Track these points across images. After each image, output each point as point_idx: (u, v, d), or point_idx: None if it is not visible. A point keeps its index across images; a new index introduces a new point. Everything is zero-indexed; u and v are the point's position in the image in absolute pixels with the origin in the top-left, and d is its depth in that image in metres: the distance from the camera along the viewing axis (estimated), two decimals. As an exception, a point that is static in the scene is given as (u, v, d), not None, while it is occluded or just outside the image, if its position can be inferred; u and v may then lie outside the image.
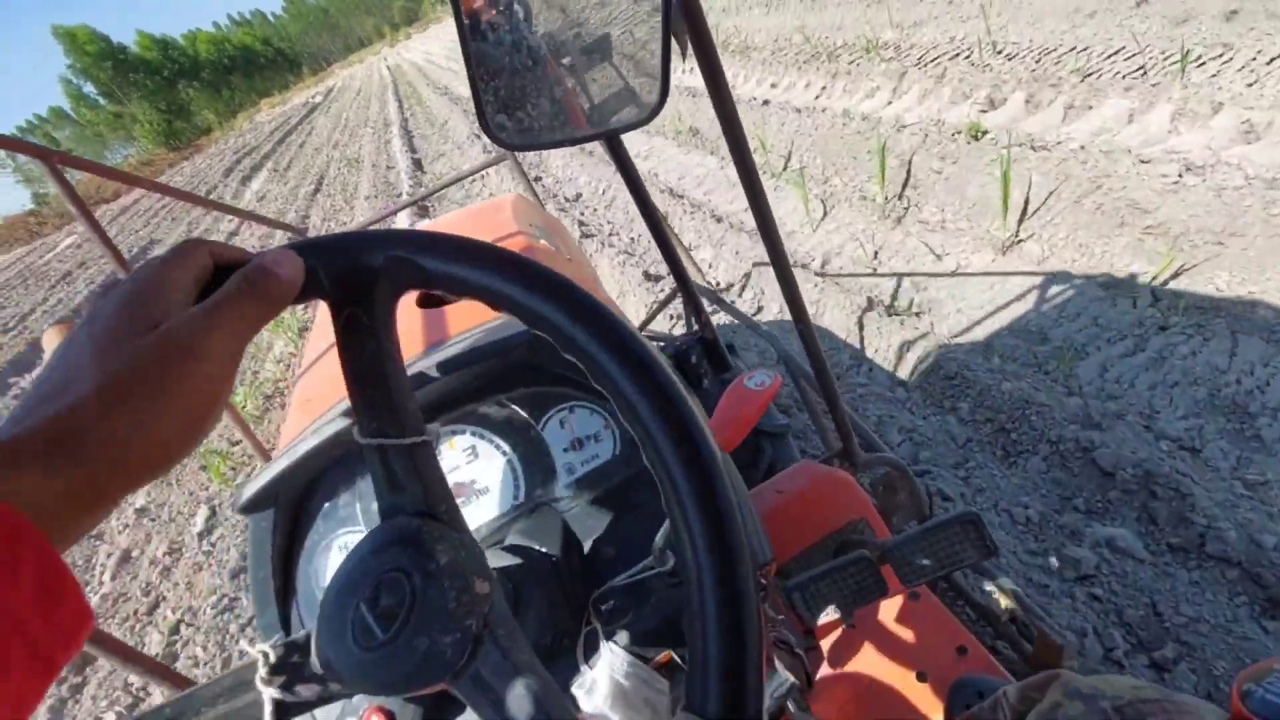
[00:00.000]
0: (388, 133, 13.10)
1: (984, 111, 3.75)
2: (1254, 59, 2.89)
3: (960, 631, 0.92)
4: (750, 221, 4.12)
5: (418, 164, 9.42)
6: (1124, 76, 3.45)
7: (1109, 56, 3.77)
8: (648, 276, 3.78)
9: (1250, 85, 2.76)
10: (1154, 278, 2.31)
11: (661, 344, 1.50)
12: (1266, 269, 2.10)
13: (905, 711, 0.84)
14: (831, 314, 2.94)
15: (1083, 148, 3.00)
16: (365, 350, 0.45)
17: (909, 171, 3.56)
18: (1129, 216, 2.55)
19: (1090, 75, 3.62)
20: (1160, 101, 3.01)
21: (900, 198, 3.51)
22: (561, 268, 1.11)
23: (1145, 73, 3.39)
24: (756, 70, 6.27)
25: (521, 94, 0.83)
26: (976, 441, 2.06)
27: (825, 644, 0.93)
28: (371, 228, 1.65)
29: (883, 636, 0.93)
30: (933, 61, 4.65)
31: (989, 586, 1.22)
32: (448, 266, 0.43)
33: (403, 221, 7.43)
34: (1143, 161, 2.72)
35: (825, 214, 3.77)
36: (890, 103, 4.44)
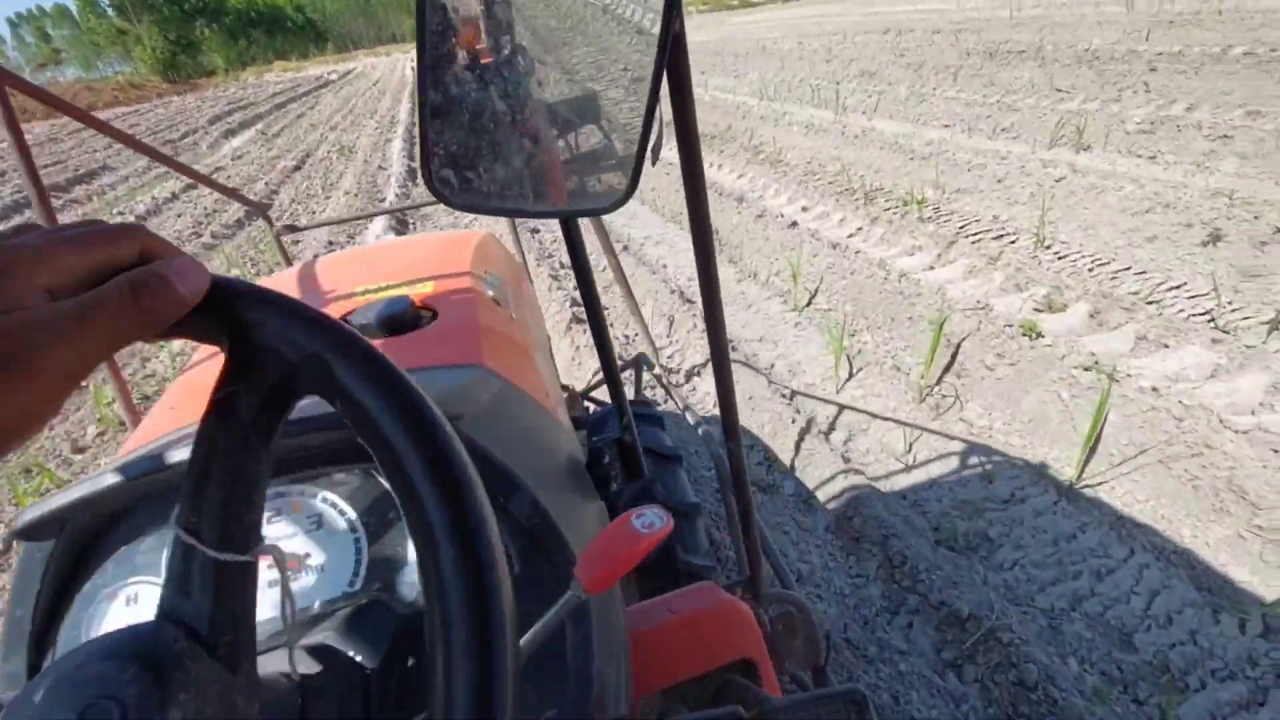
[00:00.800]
0: (391, 131, 12.52)
1: (1039, 311, 3.42)
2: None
3: None
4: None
5: (412, 173, 8.83)
6: (1190, 317, 3.18)
7: (1171, 289, 3.53)
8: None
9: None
10: (1268, 600, 1.87)
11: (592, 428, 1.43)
12: None
13: None
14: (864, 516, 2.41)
15: (1156, 390, 2.65)
16: (230, 438, 0.39)
17: (954, 357, 3.15)
18: (1231, 502, 2.13)
19: (1152, 303, 3.35)
20: (1253, 366, 2.68)
21: (939, 383, 3.09)
22: (502, 323, 1.10)
23: (1214, 320, 3.12)
24: (789, 187, 6.00)
25: (478, 151, 0.75)
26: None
27: None
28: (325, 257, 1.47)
29: None
30: (974, 236, 4.40)
31: None
32: (361, 394, 0.36)
33: (377, 227, 6.77)
34: (1240, 432, 2.34)
35: (852, 374, 3.32)
36: (933, 268, 4.12)
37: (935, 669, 1.82)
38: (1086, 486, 2.39)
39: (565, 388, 1.84)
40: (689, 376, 3.49)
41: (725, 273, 4.63)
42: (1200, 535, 2.10)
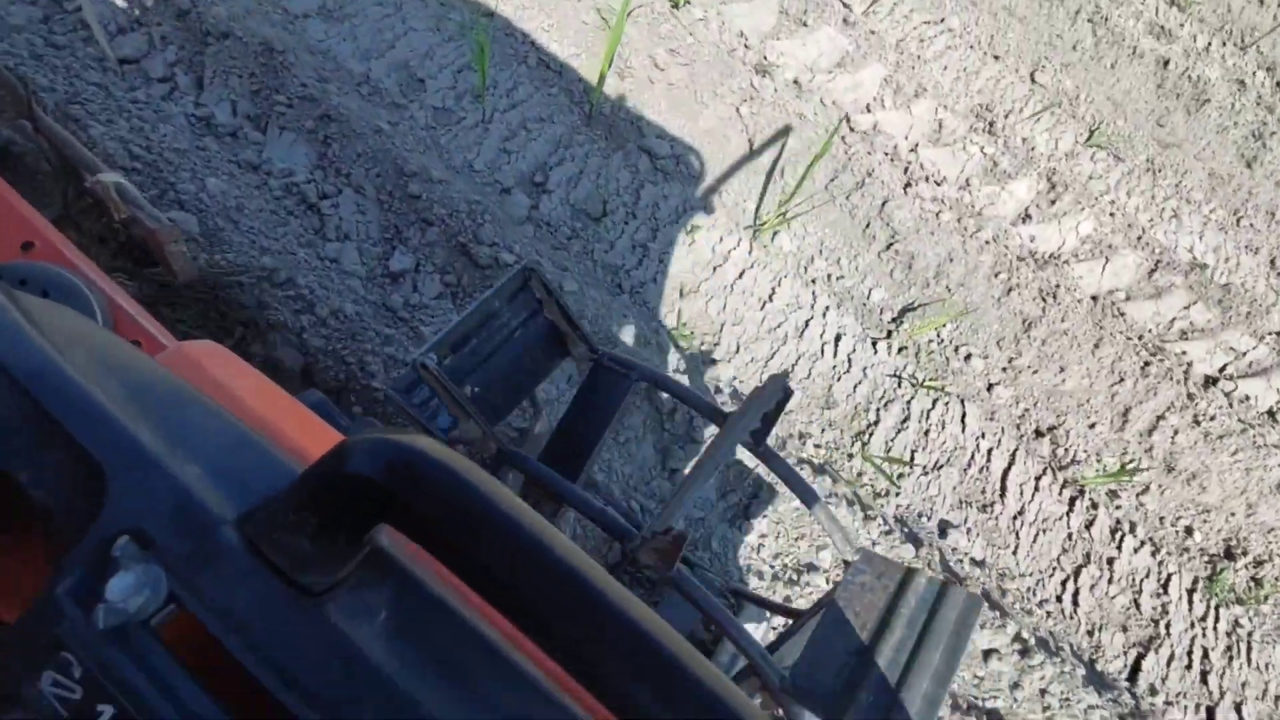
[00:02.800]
0: None
1: None
2: None
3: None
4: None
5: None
6: None
7: None
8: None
9: None
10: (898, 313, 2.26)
11: None
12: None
13: None
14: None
15: (798, 83, 2.67)
16: None
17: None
18: (879, 229, 2.50)
19: None
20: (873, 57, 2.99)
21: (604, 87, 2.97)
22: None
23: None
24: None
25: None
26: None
27: None
28: None
29: None
30: None
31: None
32: None
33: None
34: (862, 133, 2.67)
35: (499, 88, 3.43)
36: None
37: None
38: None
39: None
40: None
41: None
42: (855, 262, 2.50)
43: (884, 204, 2.60)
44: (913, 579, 1.23)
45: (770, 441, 1.45)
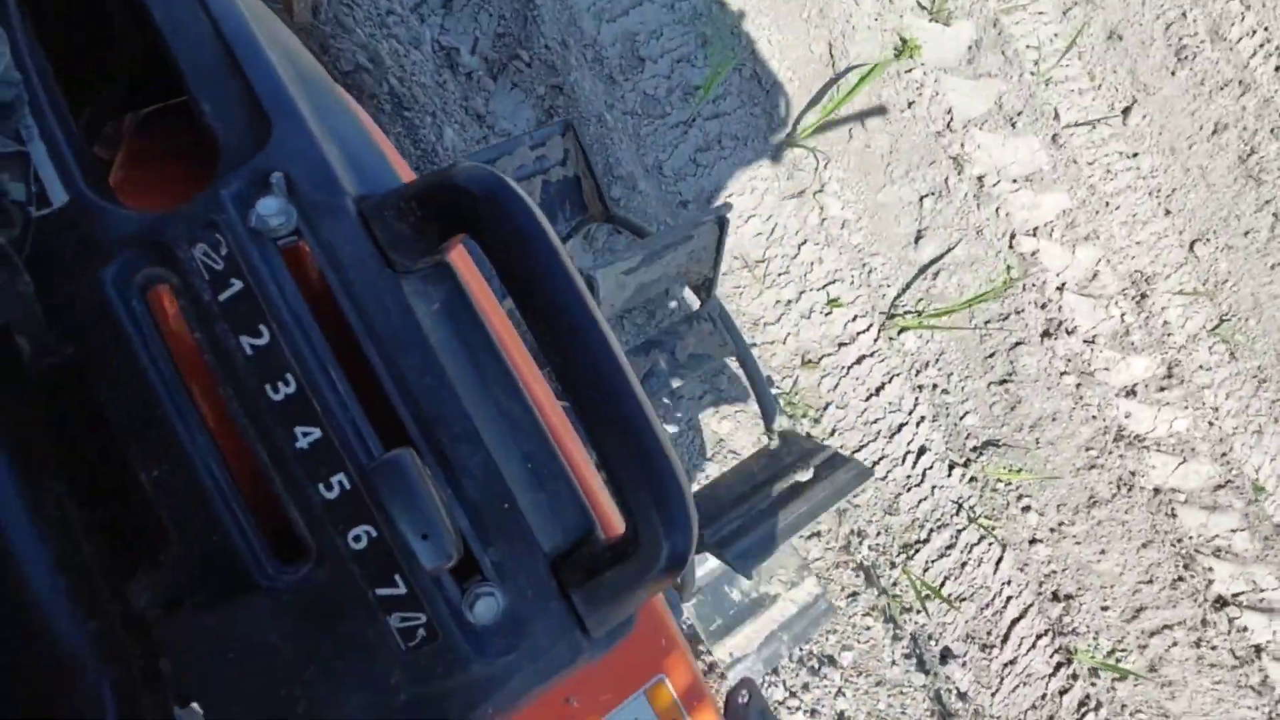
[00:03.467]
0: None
1: None
2: None
3: None
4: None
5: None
6: None
7: None
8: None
9: None
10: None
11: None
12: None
13: None
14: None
15: None
16: None
17: None
18: None
19: None
20: None
21: None
22: None
23: None
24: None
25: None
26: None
27: None
28: None
29: None
30: None
31: None
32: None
33: None
34: None
35: None
36: None
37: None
38: None
39: None
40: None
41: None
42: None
43: (1016, 345, 2.65)
44: (814, 453, 1.50)
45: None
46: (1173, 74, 3.36)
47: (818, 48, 2.62)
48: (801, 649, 2.08)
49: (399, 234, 0.55)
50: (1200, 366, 3.14)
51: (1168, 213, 3.36)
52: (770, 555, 1.38)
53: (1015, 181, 2.86)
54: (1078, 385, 2.76)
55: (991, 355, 2.64)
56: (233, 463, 0.54)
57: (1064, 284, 2.87)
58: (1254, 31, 3.69)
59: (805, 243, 2.47)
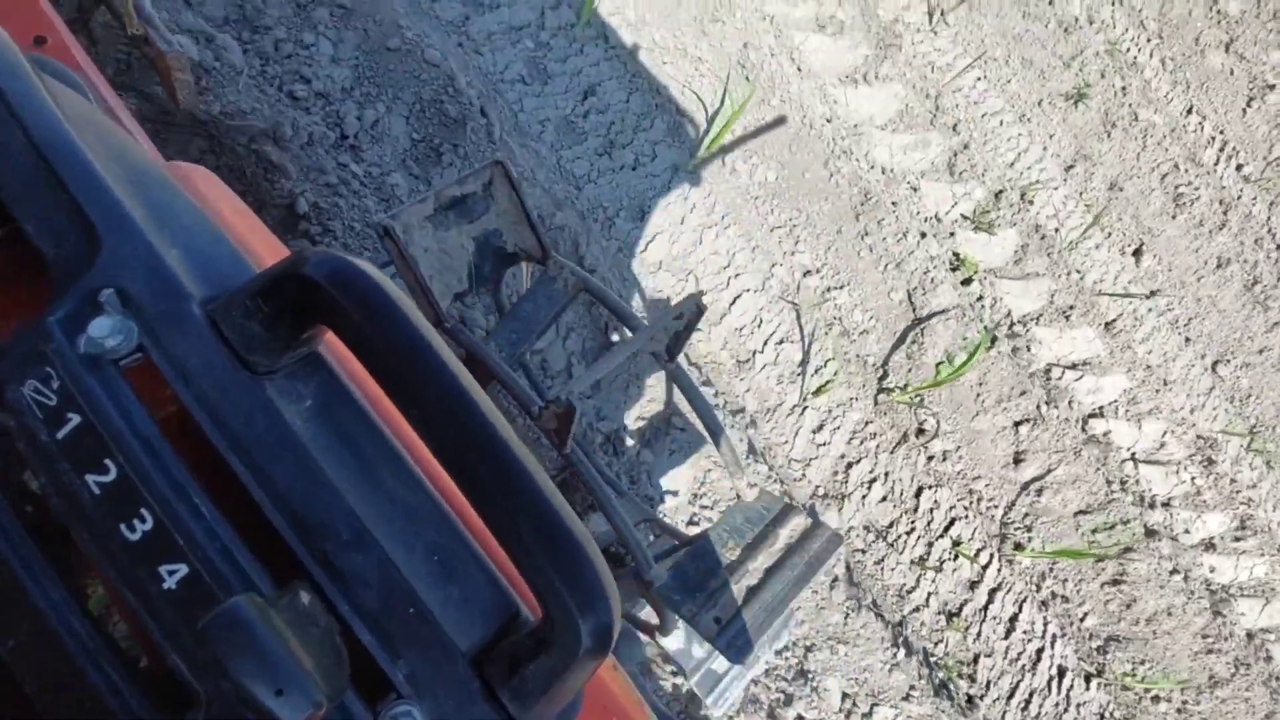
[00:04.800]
0: None
1: None
2: None
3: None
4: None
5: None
6: None
7: None
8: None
9: None
10: None
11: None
12: None
13: None
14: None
15: None
16: None
17: None
18: None
19: None
20: None
21: None
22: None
23: None
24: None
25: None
26: None
27: None
28: None
29: None
30: None
31: None
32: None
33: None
34: None
35: None
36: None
37: None
38: None
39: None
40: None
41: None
42: None
43: (1126, 551, 2.76)
44: (789, 515, 1.49)
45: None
46: (1173, 218, 3.61)
47: (897, 295, 2.70)
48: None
49: (251, 334, 0.51)
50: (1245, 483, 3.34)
51: (1187, 340, 3.59)
52: (759, 641, 1.38)
53: (1077, 370, 3.00)
54: (1185, 578, 2.89)
55: (1101, 560, 2.74)
56: (107, 612, 0.50)
57: (1134, 453, 3.02)
58: (1239, 165, 4.01)
59: (921, 490, 2.52)
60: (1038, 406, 2.77)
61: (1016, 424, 2.71)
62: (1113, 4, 4.21)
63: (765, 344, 2.39)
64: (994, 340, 2.76)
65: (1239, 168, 4.09)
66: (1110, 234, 3.50)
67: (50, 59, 0.81)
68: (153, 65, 1.63)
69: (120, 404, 0.48)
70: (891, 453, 2.51)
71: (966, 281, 2.88)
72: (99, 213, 0.53)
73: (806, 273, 2.58)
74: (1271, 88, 4.40)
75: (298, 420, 0.51)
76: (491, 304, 1.83)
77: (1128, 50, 4.11)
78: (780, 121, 2.74)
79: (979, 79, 3.41)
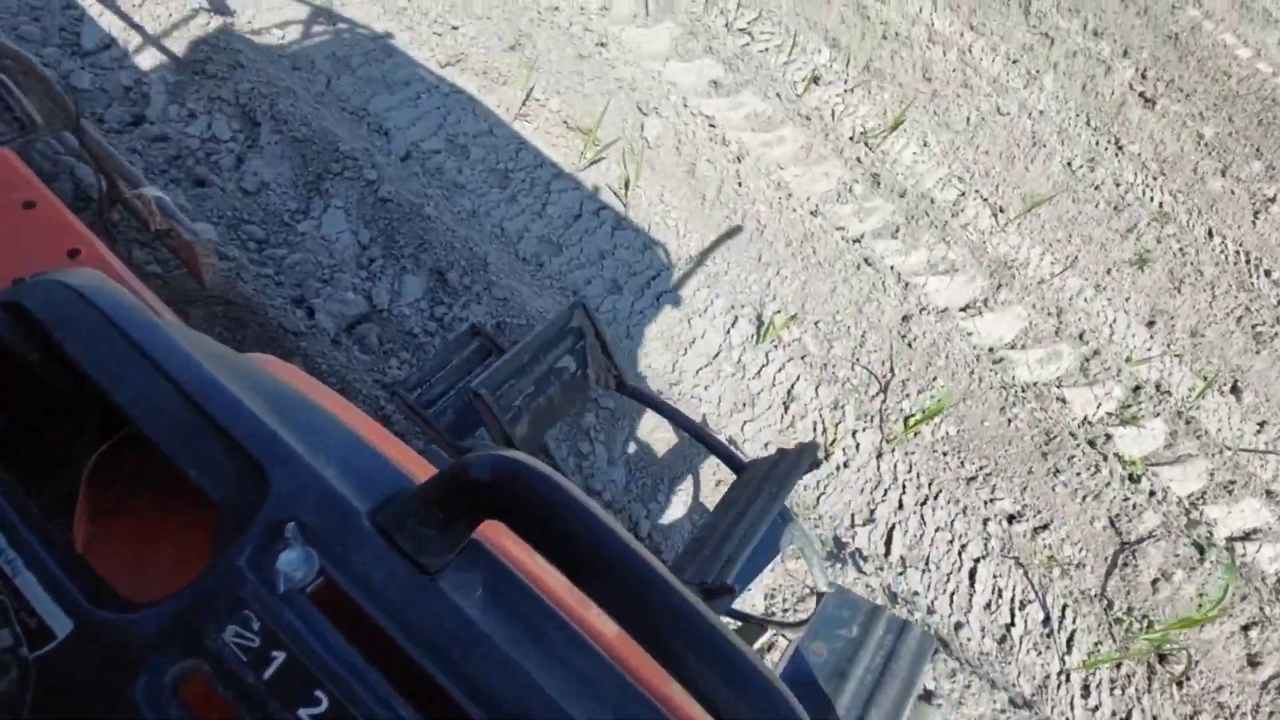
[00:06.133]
0: None
1: None
2: None
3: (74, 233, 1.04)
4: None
5: None
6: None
7: None
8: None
9: None
10: None
11: None
12: None
13: None
14: None
15: None
16: None
17: None
18: None
19: None
20: None
21: None
22: None
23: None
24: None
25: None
26: None
27: None
28: None
29: None
30: None
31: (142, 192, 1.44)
32: None
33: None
34: None
35: None
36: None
37: None
38: None
39: None
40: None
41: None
42: None
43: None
44: (878, 616, 1.50)
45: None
46: (1257, 353, 3.83)
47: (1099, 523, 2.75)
48: None
49: (425, 539, 0.53)
50: None
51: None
52: None
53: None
54: None
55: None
56: None
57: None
58: (1267, 271, 4.33)
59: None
60: (1260, 608, 2.80)
61: (1244, 628, 2.72)
62: (1116, 156, 4.64)
63: (1014, 615, 2.38)
64: (1201, 551, 2.81)
65: (1267, 273, 4.43)
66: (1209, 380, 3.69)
67: (88, 271, 0.87)
68: (176, 254, 1.71)
69: (319, 634, 0.49)
70: (1149, 692, 2.47)
71: (1134, 479, 2.96)
72: (261, 449, 0.55)
73: (1010, 518, 2.62)
74: (1272, 200, 4.84)
75: (475, 612, 0.53)
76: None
77: (1144, 192, 4.50)
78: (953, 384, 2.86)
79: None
